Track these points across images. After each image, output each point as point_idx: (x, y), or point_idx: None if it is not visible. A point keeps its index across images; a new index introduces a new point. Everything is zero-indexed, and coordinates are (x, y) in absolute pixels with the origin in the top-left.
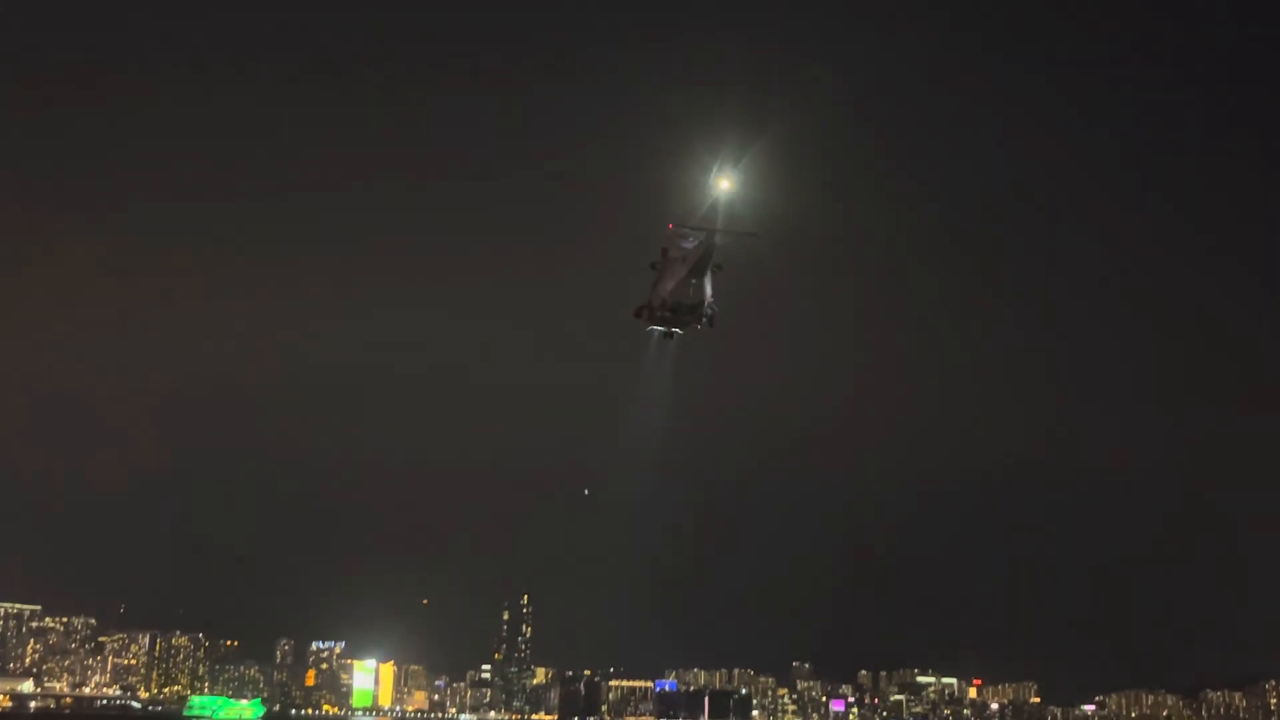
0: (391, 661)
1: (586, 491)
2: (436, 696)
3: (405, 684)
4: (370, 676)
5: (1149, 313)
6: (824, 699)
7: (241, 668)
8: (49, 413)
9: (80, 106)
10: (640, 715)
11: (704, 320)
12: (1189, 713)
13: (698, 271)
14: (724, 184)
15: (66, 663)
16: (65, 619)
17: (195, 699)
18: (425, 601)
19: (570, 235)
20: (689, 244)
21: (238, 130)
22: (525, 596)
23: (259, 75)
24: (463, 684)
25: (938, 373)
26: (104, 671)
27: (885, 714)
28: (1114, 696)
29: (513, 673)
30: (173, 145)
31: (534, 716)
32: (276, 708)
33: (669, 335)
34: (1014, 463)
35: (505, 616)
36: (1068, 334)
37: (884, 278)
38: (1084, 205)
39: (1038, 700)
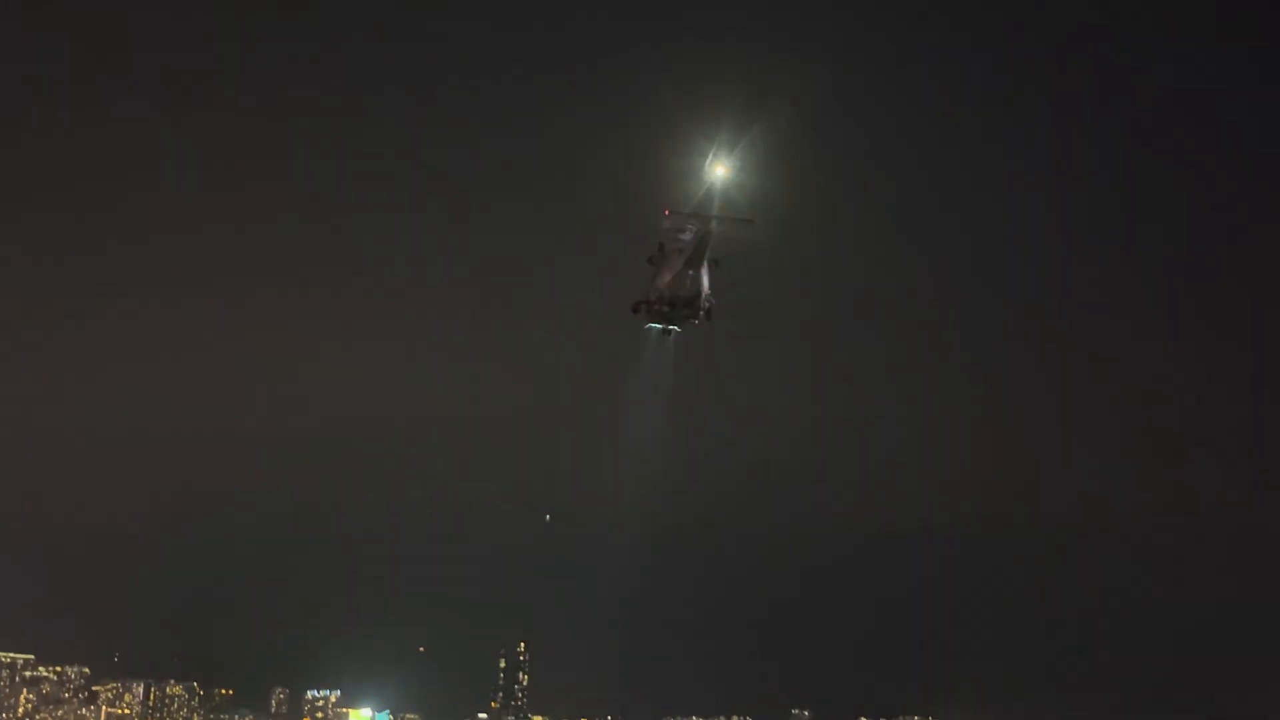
0: (388, 710)
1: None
2: None
3: None
4: None
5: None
6: None
7: (236, 716)
8: (39, 456)
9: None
10: None
11: (701, 313)
12: None
13: (695, 262)
14: (720, 170)
15: (60, 713)
16: (58, 668)
17: None
18: (421, 649)
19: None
20: (686, 236)
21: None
22: (522, 644)
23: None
24: None
25: (933, 408)
26: None
27: None
28: None
29: None
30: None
31: None
32: None
33: (666, 333)
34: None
35: (502, 665)
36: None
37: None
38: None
39: None
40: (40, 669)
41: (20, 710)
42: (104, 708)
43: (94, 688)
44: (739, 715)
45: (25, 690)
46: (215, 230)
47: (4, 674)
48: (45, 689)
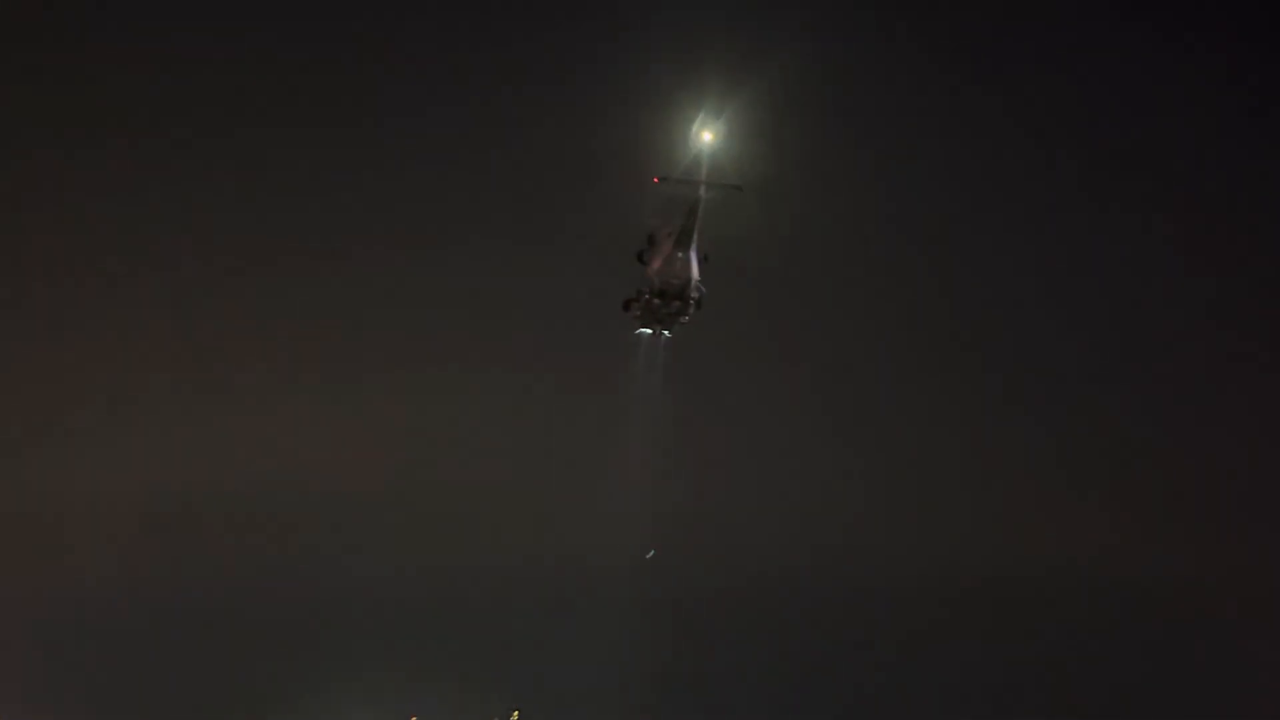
0: None
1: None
2: None
3: None
4: None
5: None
6: None
7: None
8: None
9: None
10: None
11: (691, 303)
12: None
13: (684, 240)
14: (706, 137)
15: None
16: None
17: None
18: (414, 718)
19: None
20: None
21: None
22: (515, 714)
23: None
24: None
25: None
26: None
27: None
28: None
29: None
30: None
31: None
32: None
33: (657, 335)
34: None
35: None
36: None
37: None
38: None
39: None
40: None
41: None
42: None
43: None
44: None
45: None
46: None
47: None
48: None
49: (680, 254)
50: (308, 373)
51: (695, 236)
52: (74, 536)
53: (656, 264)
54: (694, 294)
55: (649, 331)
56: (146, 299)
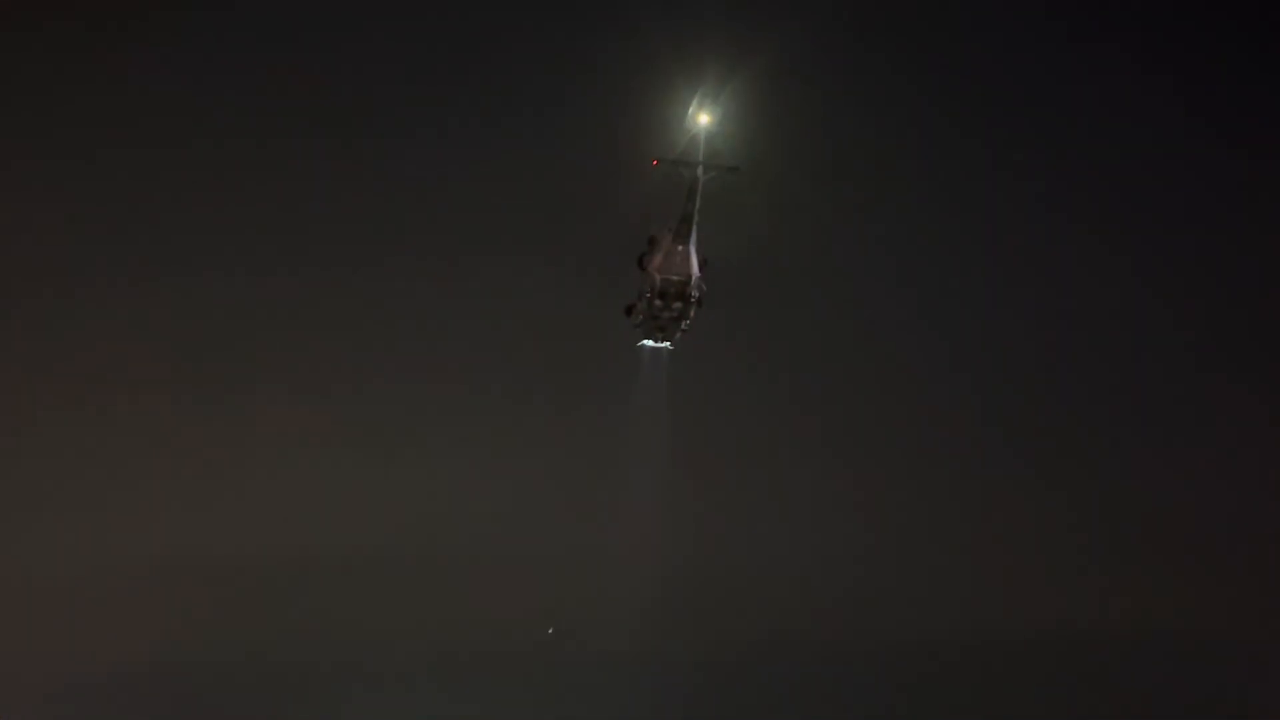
0: None
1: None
2: None
3: None
4: None
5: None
6: None
7: None
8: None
9: None
10: None
11: (693, 303)
12: None
13: (684, 228)
14: (703, 119)
15: None
16: None
17: None
18: None
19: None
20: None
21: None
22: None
23: None
24: None
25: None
26: None
27: None
28: None
29: None
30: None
31: None
32: None
33: (659, 345)
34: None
35: None
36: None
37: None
38: None
39: None
40: None
41: None
42: None
43: None
44: None
45: None
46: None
47: None
48: None
49: (680, 247)
50: (311, 431)
51: (695, 227)
52: (72, 602)
53: (657, 261)
54: (694, 292)
55: (651, 344)
56: (144, 358)
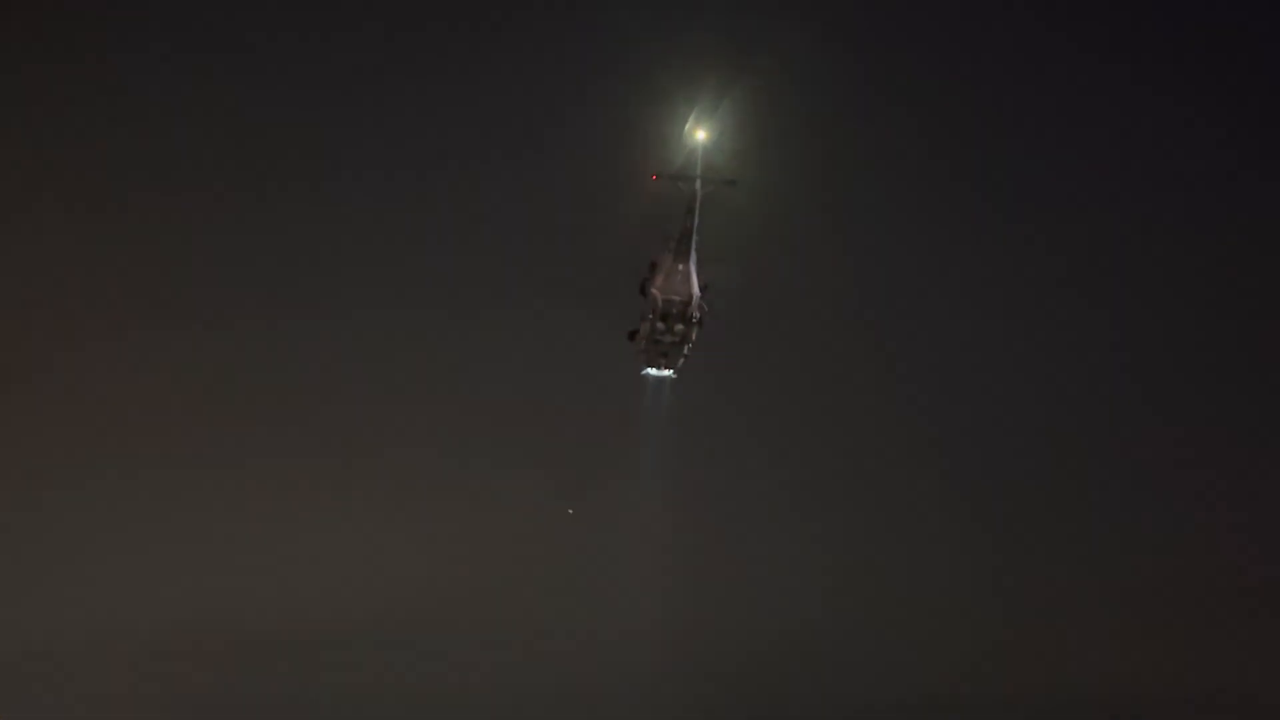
0: None
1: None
2: None
3: None
4: None
5: None
6: None
7: None
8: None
9: None
10: None
11: (694, 325)
12: None
13: (683, 244)
14: (700, 135)
15: None
16: None
17: None
18: None
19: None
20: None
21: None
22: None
23: None
24: None
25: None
26: None
27: None
28: None
29: None
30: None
31: None
32: None
33: (662, 372)
34: None
35: None
36: None
37: None
38: None
39: None
40: None
41: None
42: None
43: None
44: None
45: None
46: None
47: None
48: None
49: (681, 266)
50: (313, 494)
51: (695, 243)
52: (78, 669)
53: (659, 280)
54: (695, 313)
55: (654, 372)
56: (144, 426)
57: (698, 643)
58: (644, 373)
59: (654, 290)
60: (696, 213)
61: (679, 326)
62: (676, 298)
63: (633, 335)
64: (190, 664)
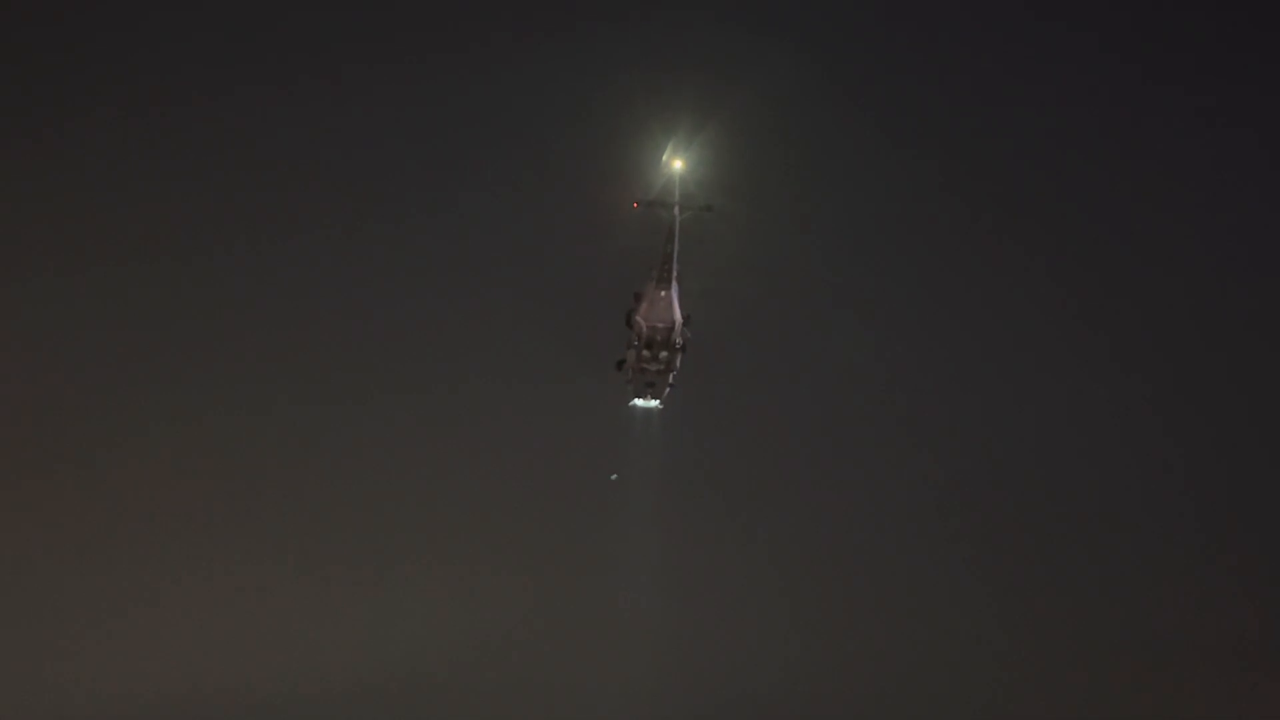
0: None
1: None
2: None
3: None
4: None
5: None
6: None
7: None
8: None
9: None
10: None
11: (678, 352)
12: None
13: (665, 270)
14: (677, 164)
15: None
16: None
17: None
18: None
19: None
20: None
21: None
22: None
23: None
24: None
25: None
26: None
27: None
28: None
29: None
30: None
31: None
32: None
33: (649, 404)
34: None
35: None
36: None
37: None
38: None
39: None
40: None
41: None
42: None
43: None
44: None
45: None
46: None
47: None
48: None
49: (663, 293)
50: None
51: (676, 269)
52: None
53: (643, 309)
54: (678, 339)
55: (641, 403)
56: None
57: (697, 682)
58: (631, 404)
59: (638, 318)
60: (676, 238)
61: (663, 354)
62: (660, 324)
63: (620, 365)
64: None
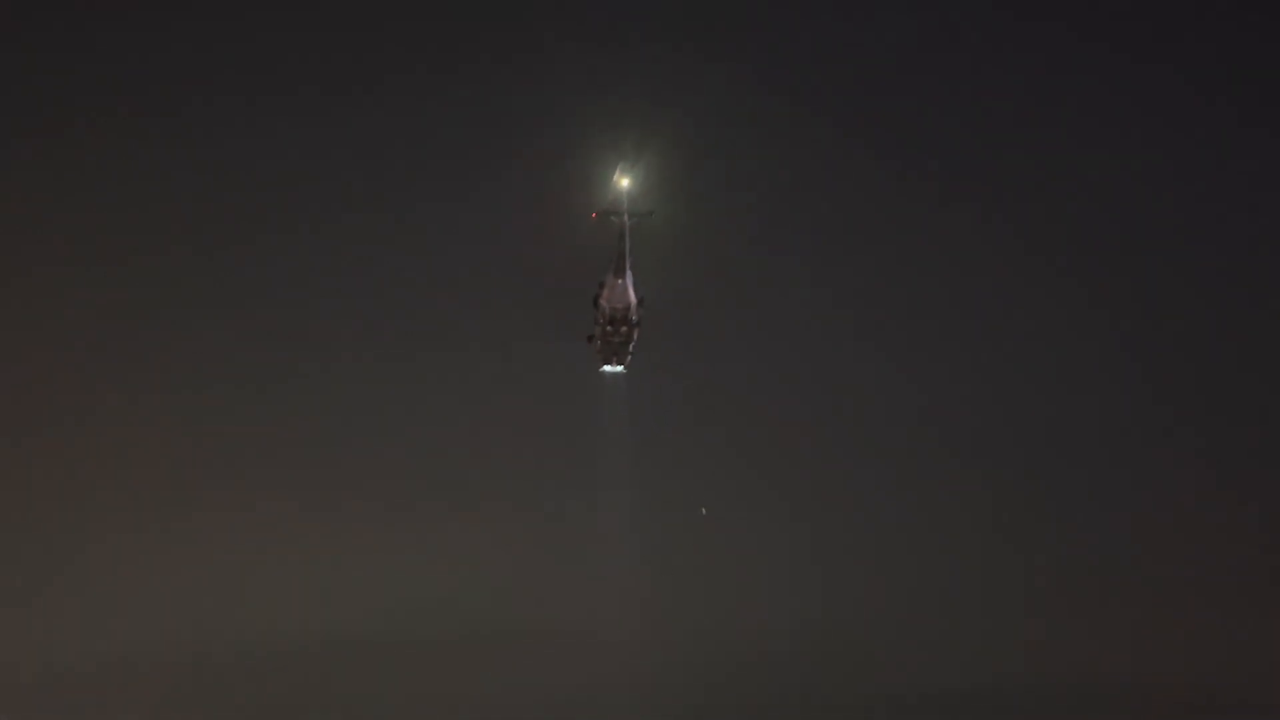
0: None
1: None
2: None
3: None
4: None
5: None
6: None
7: None
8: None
9: None
10: None
11: (634, 324)
12: None
13: (619, 265)
14: (624, 182)
15: None
16: None
17: None
18: None
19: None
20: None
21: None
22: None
23: None
24: None
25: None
26: None
27: None
28: None
29: None
30: None
31: None
32: None
33: (615, 369)
34: None
35: None
36: None
37: None
38: None
39: None
40: None
41: None
42: None
43: None
44: None
45: None
46: None
47: None
48: None
49: (619, 280)
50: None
51: (628, 262)
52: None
53: (605, 294)
54: (634, 316)
55: (609, 369)
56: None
57: (684, 635)
58: (601, 370)
59: (602, 301)
60: (627, 238)
61: (623, 329)
62: (619, 306)
63: (590, 339)
64: (198, 677)
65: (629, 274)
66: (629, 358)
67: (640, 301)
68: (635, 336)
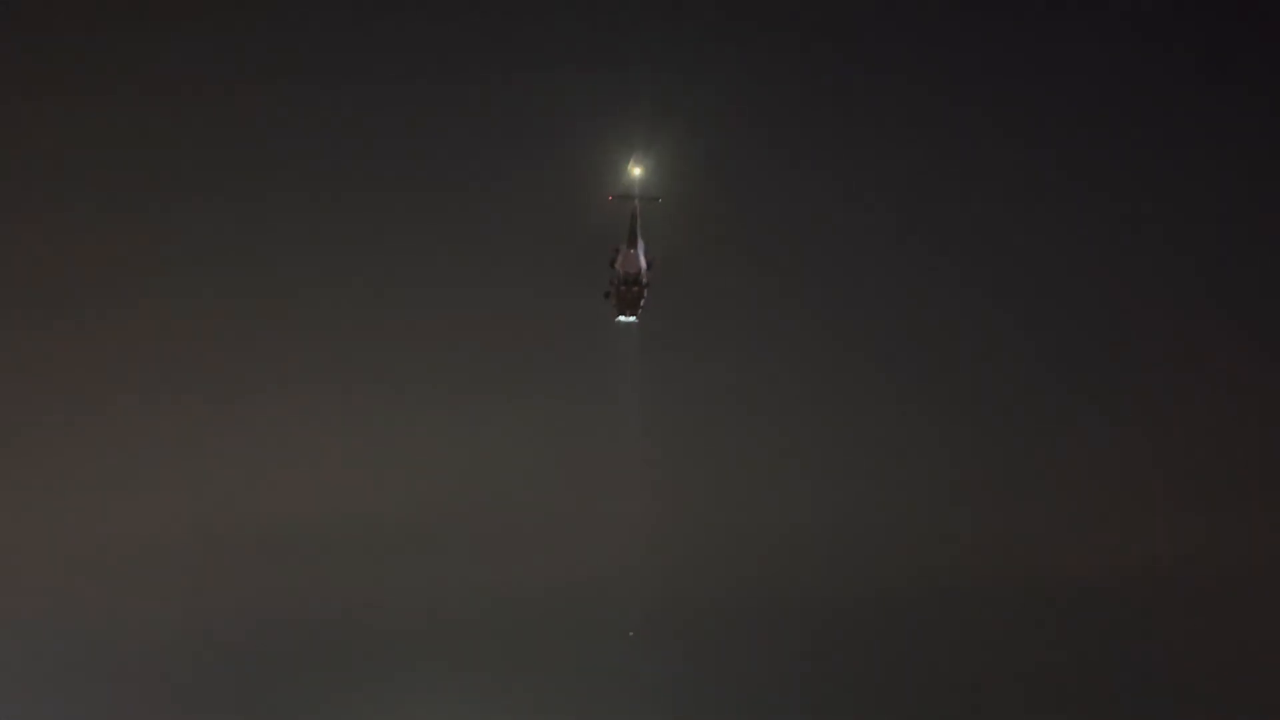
0: None
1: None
2: None
3: None
4: None
5: None
6: None
7: None
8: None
9: None
10: None
11: (644, 287)
12: None
13: (631, 240)
14: (636, 170)
15: None
16: None
17: None
18: None
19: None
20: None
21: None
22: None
23: None
24: None
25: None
26: None
27: None
28: None
29: None
30: None
31: None
32: None
33: (628, 319)
34: None
35: None
36: None
37: None
38: None
39: None
40: None
41: None
42: None
43: None
44: None
45: None
46: None
47: None
48: None
49: (631, 251)
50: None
51: (639, 237)
52: (97, 571)
53: (619, 260)
54: (644, 279)
55: (623, 319)
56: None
57: (687, 542)
58: (616, 319)
59: (617, 266)
60: (638, 218)
61: (635, 288)
62: (631, 270)
63: (606, 295)
64: (202, 564)
65: (640, 244)
66: (640, 310)
67: (650, 265)
68: (646, 295)
